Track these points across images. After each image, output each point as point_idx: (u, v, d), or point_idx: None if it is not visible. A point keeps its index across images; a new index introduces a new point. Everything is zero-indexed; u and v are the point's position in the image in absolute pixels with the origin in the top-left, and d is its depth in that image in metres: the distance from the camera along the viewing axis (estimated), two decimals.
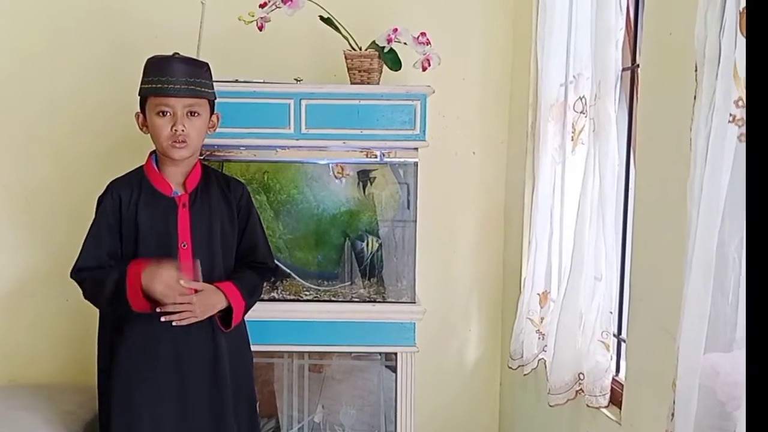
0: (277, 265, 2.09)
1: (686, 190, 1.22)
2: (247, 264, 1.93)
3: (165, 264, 1.68)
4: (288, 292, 2.20)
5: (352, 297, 2.22)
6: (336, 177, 2.20)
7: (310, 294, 2.21)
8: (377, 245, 2.22)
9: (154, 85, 1.73)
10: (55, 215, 2.50)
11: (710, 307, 1.18)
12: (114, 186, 1.81)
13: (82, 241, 1.79)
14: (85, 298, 1.79)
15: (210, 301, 1.77)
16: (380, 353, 2.31)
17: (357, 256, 2.23)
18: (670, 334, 1.32)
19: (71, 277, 1.78)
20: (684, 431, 1.21)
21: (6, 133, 2.49)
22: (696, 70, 1.20)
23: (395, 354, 2.18)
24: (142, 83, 1.77)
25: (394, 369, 2.21)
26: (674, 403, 1.24)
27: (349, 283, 2.23)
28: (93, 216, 1.80)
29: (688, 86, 1.23)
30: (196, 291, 1.73)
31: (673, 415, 1.24)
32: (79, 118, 2.49)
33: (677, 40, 1.38)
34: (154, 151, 1.83)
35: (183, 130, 1.72)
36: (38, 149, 2.50)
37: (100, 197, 1.81)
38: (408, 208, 2.20)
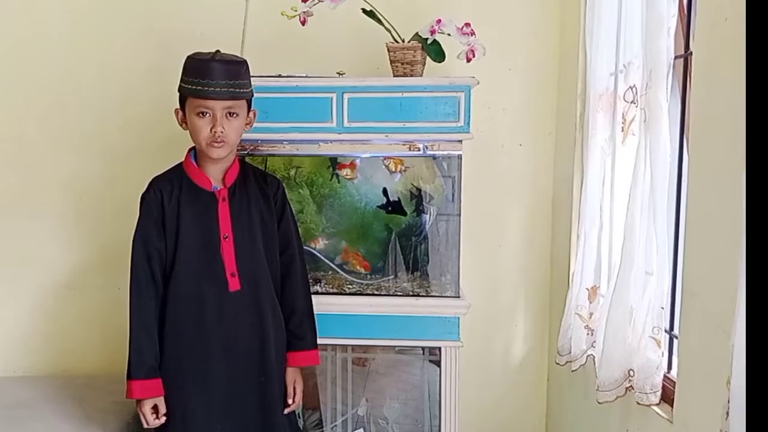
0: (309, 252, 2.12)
1: (743, 183, 1.17)
2: (283, 272, 1.93)
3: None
4: (331, 286, 2.21)
5: (396, 291, 2.21)
6: (391, 172, 2.19)
7: (353, 287, 2.21)
8: (421, 239, 2.20)
9: (194, 87, 1.74)
10: (105, 211, 2.56)
11: None
12: (156, 183, 1.86)
13: (132, 239, 1.83)
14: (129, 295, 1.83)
15: (301, 386, 1.96)
16: (423, 348, 2.29)
17: (401, 249, 2.22)
18: (724, 330, 1.27)
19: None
20: (739, 431, 1.16)
21: (61, 135, 2.57)
22: None
23: (439, 349, 2.16)
24: (181, 81, 1.78)
25: (437, 363, 2.19)
26: (729, 401, 1.19)
27: (393, 276, 2.22)
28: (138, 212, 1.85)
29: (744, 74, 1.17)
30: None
31: (728, 414, 1.20)
32: (129, 117, 2.55)
33: (733, 25, 1.32)
34: (192, 148, 1.87)
35: (222, 131, 1.75)
36: (90, 148, 2.57)
37: (143, 194, 1.85)
38: (452, 201, 2.18)
